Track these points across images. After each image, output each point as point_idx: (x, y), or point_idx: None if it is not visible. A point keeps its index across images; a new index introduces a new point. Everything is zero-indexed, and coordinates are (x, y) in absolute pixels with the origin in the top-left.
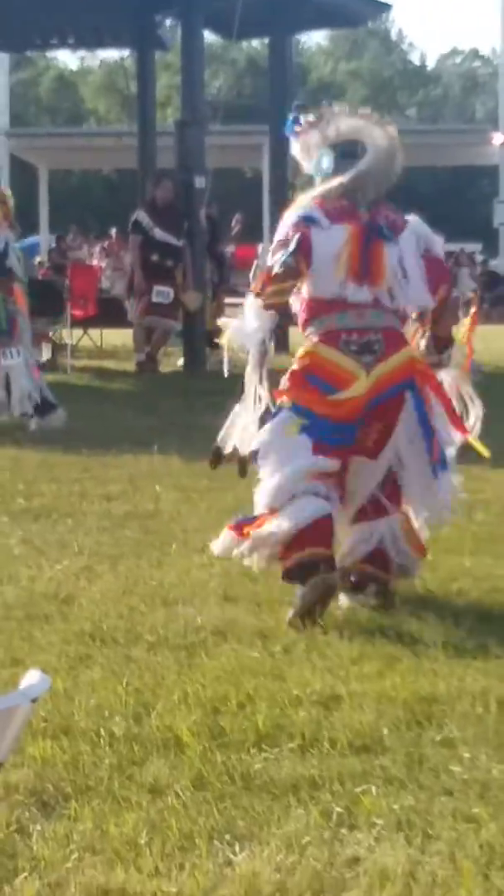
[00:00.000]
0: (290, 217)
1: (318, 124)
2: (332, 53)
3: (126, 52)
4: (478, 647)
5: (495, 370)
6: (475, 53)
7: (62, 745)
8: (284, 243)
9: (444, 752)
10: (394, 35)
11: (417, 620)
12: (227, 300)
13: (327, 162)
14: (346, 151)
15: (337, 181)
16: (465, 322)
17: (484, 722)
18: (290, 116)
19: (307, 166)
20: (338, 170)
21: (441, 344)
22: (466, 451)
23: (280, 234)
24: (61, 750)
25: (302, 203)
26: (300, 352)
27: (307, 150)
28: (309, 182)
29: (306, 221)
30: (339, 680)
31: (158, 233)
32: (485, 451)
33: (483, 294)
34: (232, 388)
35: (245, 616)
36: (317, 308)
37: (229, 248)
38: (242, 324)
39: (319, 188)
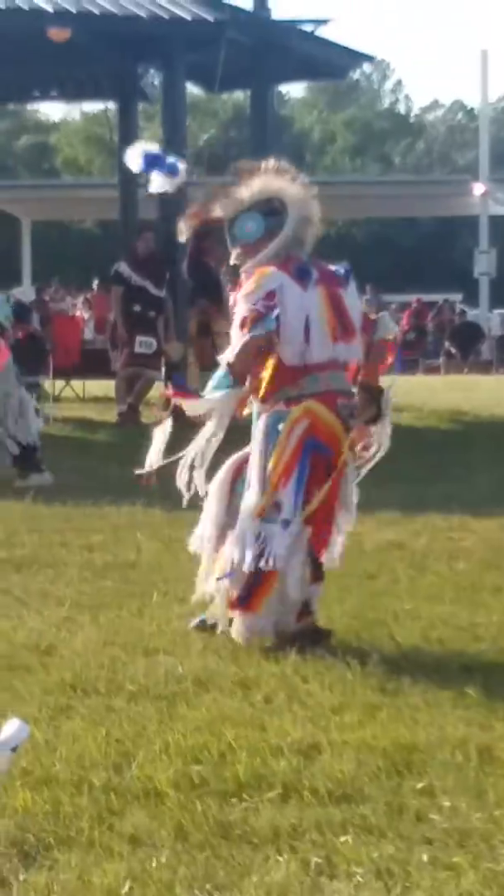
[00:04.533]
0: (259, 287)
1: (230, 188)
2: (314, 104)
3: (108, 103)
4: (458, 696)
5: (475, 420)
6: (460, 105)
7: (43, 795)
8: (259, 316)
9: (423, 801)
10: (377, 86)
11: (398, 669)
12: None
13: (254, 226)
14: (266, 211)
15: (274, 247)
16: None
17: (464, 771)
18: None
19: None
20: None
21: (376, 393)
22: (449, 501)
23: (251, 303)
24: (42, 800)
25: (265, 275)
26: (296, 411)
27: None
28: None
29: (278, 289)
30: (319, 729)
31: (140, 283)
32: None
33: (462, 344)
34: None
35: (225, 665)
36: (301, 370)
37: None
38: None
39: (262, 254)
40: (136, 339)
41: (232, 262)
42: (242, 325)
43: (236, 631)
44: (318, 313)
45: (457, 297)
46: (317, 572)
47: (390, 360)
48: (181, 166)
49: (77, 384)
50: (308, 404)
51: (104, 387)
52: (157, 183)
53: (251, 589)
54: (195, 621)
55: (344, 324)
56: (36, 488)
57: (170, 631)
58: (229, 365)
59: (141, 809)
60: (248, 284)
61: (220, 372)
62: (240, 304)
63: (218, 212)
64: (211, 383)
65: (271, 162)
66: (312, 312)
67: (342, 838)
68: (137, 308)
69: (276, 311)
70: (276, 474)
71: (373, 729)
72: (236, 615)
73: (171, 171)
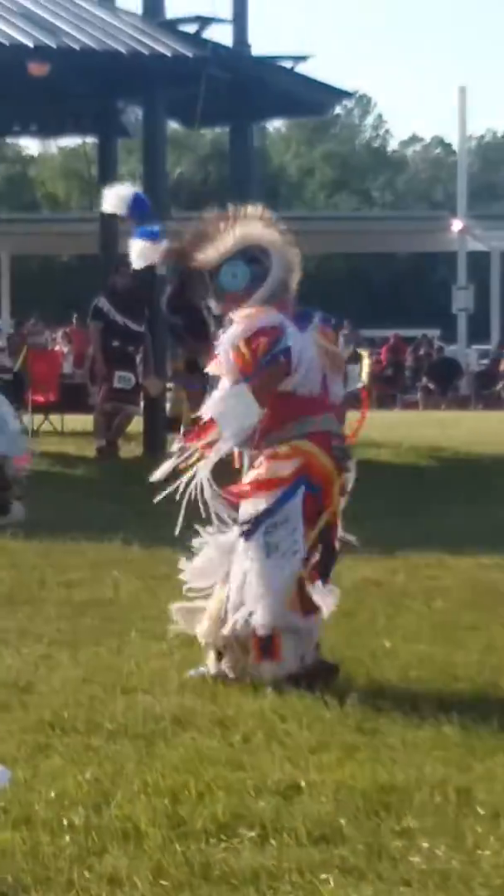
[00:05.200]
0: (261, 321)
1: (210, 238)
2: (292, 139)
3: (88, 139)
4: (436, 736)
5: (453, 456)
6: (439, 140)
7: (22, 835)
8: (271, 342)
9: (403, 843)
10: (357, 120)
11: (376, 709)
12: None
13: (239, 275)
14: (249, 258)
15: (263, 293)
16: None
17: (443, 812)
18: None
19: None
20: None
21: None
22: (427, 539)
23: (256, 331)
24: (21, 840)
25: (264, 311)
26: (284, 448)
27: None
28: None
29: (281, 326)
30: (298, 769)
31: (119, 318)
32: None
33: (440, 380)
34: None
35: (203, 704)
36: (298, 407)
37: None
38: (238, 410)
39: (256, 297)
40: (115, 374)
41: (217, 312)
42: (254, 356)
43: (264, 677)
44: (315, 355)
45: (434, 332)
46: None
47: (366, 410)
48: (161, 232)
49: (56, 418)
50: (301, 444)
51: (83, 421)
52: (139, 252)
53: (270, 638)
54: (195, 672)
55: (336, 365)
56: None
57: (148, 669)
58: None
59: (120, 849)
60: (243, 321)
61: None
62: (237, 339)
63: (199, 261)
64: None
65: (250, 208)
66: (309, 354)
67: (322, 879)
68: (116, 343)
69: (285, 340)
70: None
71: (351, 769)
72: (263, 664)
73: (153, 237)
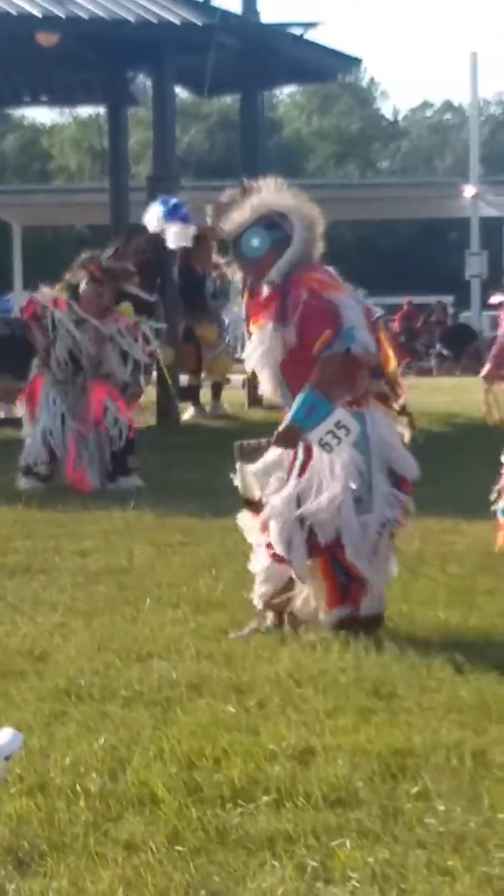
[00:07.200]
0: (339, 303)
1: (229, 209)
2: (304, 107)
3: (100, 109)
4: (452, 700)
5: (468, 422)
6: (448, 105)
7: (38, 802)
8: (332, 335)
9: (418, 805)
10: (366, 85)
11: (391, 673)
12: None
13: (259, 242)
14: (267, 224)
15: (290, 255)
16: None
17: (459, 774)
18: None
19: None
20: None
21: None
22: (442, 504)
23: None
24: (37, 807)
25: (330, 288)
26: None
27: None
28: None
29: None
30: (313, 733)
31: (130, 288)
32: None
33: (454, 346)
34: (204, 444)
35: (219, 670)
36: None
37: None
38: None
39: (285, 260)
40: None
41: (240, 280)
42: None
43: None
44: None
45: (448, 299)
46: None
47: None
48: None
49: None
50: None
51: None
52: (174, 236)
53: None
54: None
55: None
56: (28, 493)
57: (163, 636)
58: (318, 386)
59: (136, 815)
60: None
61: (307, 397)
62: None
63: (222, 232)
64: (299, 410)
65: (269, 179)
66: (358, 314)
67: (338, 843)
68: None
69: (347, 325)
70: None
71: (367, 733)
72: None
73: (185, 219)
